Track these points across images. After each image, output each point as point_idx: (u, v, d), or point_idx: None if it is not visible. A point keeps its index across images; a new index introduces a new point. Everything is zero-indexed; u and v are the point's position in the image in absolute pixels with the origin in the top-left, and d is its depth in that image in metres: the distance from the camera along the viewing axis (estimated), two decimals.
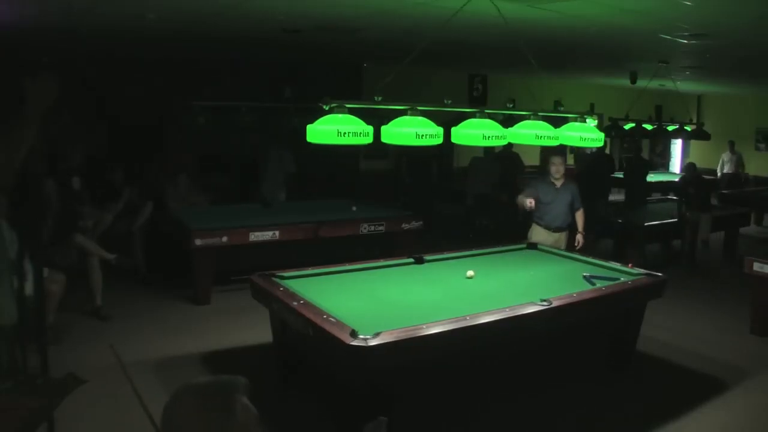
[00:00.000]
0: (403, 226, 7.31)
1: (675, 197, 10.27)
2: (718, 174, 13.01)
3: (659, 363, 5.15)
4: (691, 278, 7.77)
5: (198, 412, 1.26)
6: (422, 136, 3.88)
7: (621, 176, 10.81)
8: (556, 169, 6.17)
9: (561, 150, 6.28)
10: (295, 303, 3.92)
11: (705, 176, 9.69)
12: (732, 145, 13.05)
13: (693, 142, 14.24)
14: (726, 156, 13.08)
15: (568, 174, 6.65)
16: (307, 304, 3.89)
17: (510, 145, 8.55)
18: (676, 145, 15.90)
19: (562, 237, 6.26)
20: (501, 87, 11.24)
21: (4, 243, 3.57)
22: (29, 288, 3.66)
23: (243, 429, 1.27)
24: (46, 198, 5.77)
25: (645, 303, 4.91)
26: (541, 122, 4.40)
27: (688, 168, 9.71)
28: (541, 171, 9.87)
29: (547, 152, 10.17)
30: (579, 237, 6.24)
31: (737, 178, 12.80)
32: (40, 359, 3.21)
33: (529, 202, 5.99)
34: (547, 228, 6.20)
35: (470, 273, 4.80)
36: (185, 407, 1.28)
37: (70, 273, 5.35)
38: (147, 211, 7.18)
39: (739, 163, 12.94)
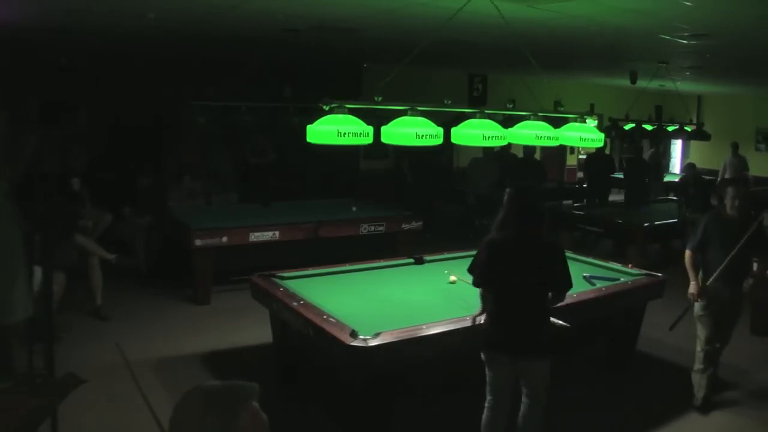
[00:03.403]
0: (403, 226, 7.32)
1: (675, 197, 10.28)
2: (718, 180, 12.55)
3: (659, 363, 5.15)
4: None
5: (200, 414, 1.28)
6: (422, 136, 3.88)
7: (621, 176, 10.81)
8: (732, 204, 4.37)
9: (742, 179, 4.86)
10: (295, 303, 3.93)
11: (705, 176, 9.69)
12: (735, 148, 11.99)
13: (693, 143, 14.20)
14: (728, 160, 12.17)
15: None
16: (307, 305, 3.89)
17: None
18: (676, 146, 15.89)
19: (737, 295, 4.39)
20: (501, 87, 11.24)
21: (19, 241, 3.59)
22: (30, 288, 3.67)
23: None
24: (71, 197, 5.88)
25: (645, 303, 4.91)
26: (540, 122, 4.40)
27: (688, 168, 9.69)
28: None
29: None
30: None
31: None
32: (45, 359, 3.22)
33: (695, 290, 4.37)
34: (719, 280, 4.27)
35: (453, 278, 4.67)
36: (189, 408, 1.30)
37: (70, 273, 5.36)
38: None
39: (742, 167, 11.94)
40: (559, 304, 3.43)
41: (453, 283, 4.64)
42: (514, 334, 3.22)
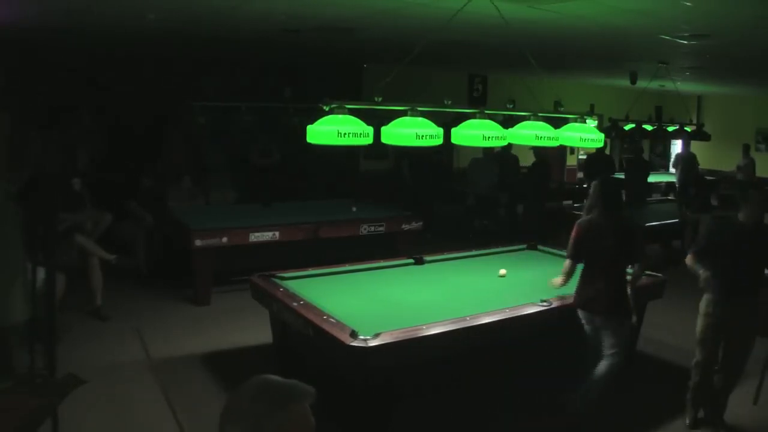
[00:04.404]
0: (403, 226, 7.31)
1: (674, 197, 10.28)
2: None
3: (659, 363, 5.15)
4: (691, 278, 7.75)
5: (251, 400, 1.33)
6: (422, 136, 3.88)
7: (622, 177, 10.81)
8: (753, 211, 3.84)
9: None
10: (295, 304, 3.93)
11: (706, 177, 9.68)
12: (746, 149, 12.03)
13: (693, 143, 14.18)
14: (741, 162, 12.03)
15: None
16: (307, 305, 3.89)
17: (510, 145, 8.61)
18: (677, 146, 15.89)
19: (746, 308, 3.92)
20: (501, 87, 11.23)
21: (19, 242, 3.60)
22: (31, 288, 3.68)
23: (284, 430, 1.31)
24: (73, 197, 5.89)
25: (645, 303, 4.91)
26: (540, 123, 4.40)
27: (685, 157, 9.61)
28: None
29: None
30: None
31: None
32: (46, 359, 3.22)
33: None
34: (728, 296, 3.87)
35: (502, 272, 4.95)
36: (244, 393, 1.35)
37: (70, 273, 5.35)
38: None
39: (748, 170, 11.82)
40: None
41: (503, 276, 4.92)
42: (595, 296, 3.88)
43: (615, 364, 3.82)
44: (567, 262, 4.06)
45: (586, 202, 4.06)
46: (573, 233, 4.00)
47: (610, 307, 3.85)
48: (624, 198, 4.12)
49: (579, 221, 4.03)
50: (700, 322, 4.00)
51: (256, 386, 1.36)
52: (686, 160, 11.28)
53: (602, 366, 3.83)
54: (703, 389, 4.05)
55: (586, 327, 3.97)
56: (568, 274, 4.04)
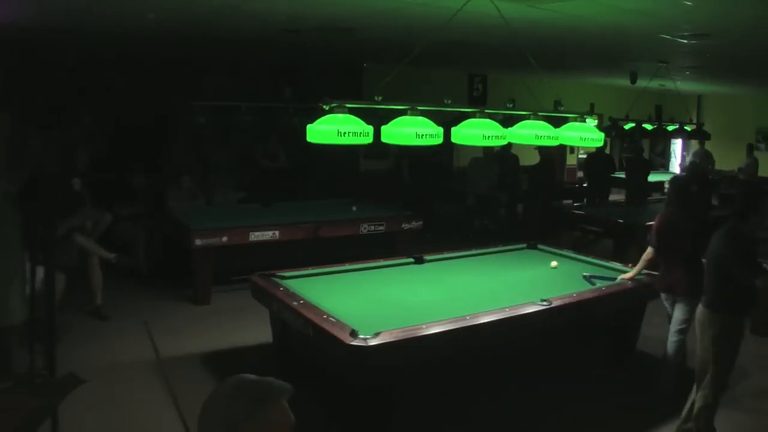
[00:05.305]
0: (403, 226, 7.31)
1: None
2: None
3: (660, 362, 5.14)
4: None
5: (226, 400, 1.33)
6: (422, 136, 3.88)
7: (622, 176, 10.81)
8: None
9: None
10: (295, 303, 3.93)
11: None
12: (750, 149, 11.89)
13: (693, 142, 14.20)
14: (744, 162, 11.92)
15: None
16: (307, 304, 3.89)
17: (509, 145, 8.62)
18: (677, 145, 15.89)
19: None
20: (501, 87, 11.24)
21: (18, 243, 3.60)
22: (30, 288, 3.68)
23: (262, 429, 1.31)
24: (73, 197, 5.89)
25: (645, 303, 4.91)
26: (540, 122, 4.40)
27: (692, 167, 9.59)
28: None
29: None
30: None
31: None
32: (46, 359, 3.22)
33: None
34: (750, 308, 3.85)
35: (554, 264, 5.23)
36: (220, 393, 1.35)
37: (70, 273, 5.35)
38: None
39: (750, 170, 11.67)
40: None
41: (555, 267, 5.18)
42: (673, 282, 4.35)
43: (682, 339, 4.35)
44: (648, 249, 4.57)
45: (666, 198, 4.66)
46: (654, 224, 4.54)
47: (686, 291, 4.26)
48: (695, 197, 4.72)
49: (659, 213, 4.58)
50: (730, 347, 3.65)
51: (232, 386, 1.36)
52: (634, 161, 11.17)
53: (671, 342, 4.36)
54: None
55: (668, 307, 4.48)
56: (645, 261, 4.62)
